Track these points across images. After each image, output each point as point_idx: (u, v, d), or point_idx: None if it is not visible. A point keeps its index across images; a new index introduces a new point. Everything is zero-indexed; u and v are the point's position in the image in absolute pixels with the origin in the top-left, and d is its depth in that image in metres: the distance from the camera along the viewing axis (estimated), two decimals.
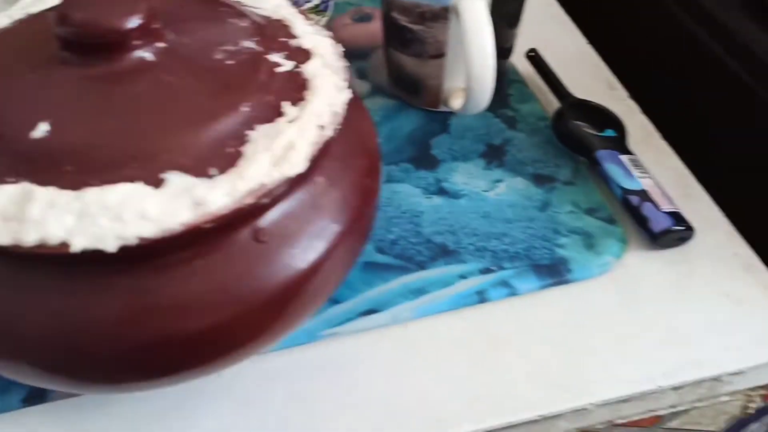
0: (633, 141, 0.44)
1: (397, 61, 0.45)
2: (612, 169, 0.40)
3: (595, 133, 0.43)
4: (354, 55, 0.50)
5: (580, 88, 0.47)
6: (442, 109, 0.45)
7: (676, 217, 0.38)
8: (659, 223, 0.38)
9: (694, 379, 0.33)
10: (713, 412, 0.35)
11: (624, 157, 0.41)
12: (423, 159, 0.43)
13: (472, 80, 0.39)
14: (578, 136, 0.42)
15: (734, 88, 0.48)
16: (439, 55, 0.42)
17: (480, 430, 0.31)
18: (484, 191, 0.41)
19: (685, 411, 0.35)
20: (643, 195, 0.39)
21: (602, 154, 0.41)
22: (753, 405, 0.36)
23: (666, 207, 0.38)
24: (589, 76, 0.50)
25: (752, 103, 0.47)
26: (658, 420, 0.35)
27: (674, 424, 0.35)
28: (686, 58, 0.53)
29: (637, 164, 0.41)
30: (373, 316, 0.35)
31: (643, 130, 0.45)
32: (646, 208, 0.38)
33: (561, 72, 0.48)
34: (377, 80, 0.48)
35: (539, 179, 0.42)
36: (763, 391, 0.35)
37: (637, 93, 0.49)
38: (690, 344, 0.34)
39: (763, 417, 0.37)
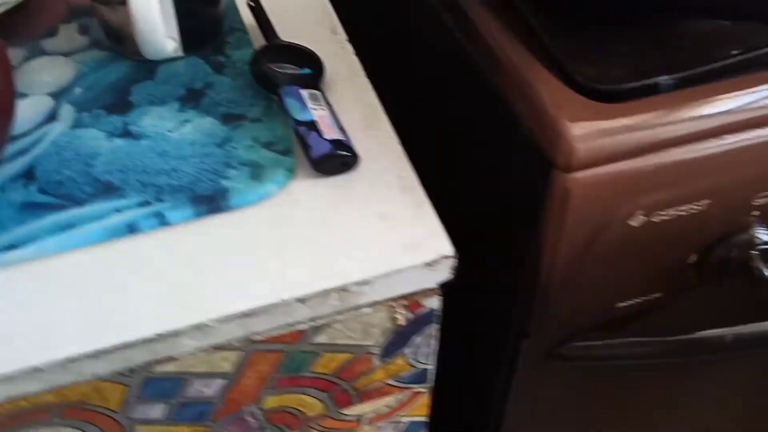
0: (339, 78, 0.45)
1: (99, 11, 0.45)
2: (290, 104, 0.41)
3: (292, 72, 0.44)
4: (82, 12, 0.50)
5: (305, 34, 0.48)
6: (151, 57, 0.46)
7: (338, 144, 0.39)
8: (317, 150, 0.39)
9: (318, 290, 0.34)
10: (360, 325, 0.37)
11: (304, 92, 0.42)
12: (118, 105, 0.43)
13: (137, 23, 0.39)
14: (268, 75, 0.43)
15: (443, 36, 0.50)
16: (123, 1, 0.43)
17: (90, 350, 0.32)
18: (169, 131, 0.42)
19: (328, 325, 0.36)
20: (311, 125, 0.40)
21: (285, 90, 0.42)
22: (400, 316, 0.37)
23: (330, 135, 0.40)
24: (316, 23, 0.51)
25: (456, 49, 0.49)
26: (300, 335, 0.36)
27: (323, 339, 0.37)
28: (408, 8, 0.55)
29: (316, 98, 0.42)
30: (14, 252, 0.35)
31: (351, 69, 0.47)
32: (311, 138, 0.39)
33: (289, 19, 0.49)
34: (98, 35, 0.48)
35: (228, 118, 0.42)
36: (405, 302, 0.37)
37: (364, 38, 0.50)
38: (324, 260, 0.35)
39: (423, 328, 0.39)
